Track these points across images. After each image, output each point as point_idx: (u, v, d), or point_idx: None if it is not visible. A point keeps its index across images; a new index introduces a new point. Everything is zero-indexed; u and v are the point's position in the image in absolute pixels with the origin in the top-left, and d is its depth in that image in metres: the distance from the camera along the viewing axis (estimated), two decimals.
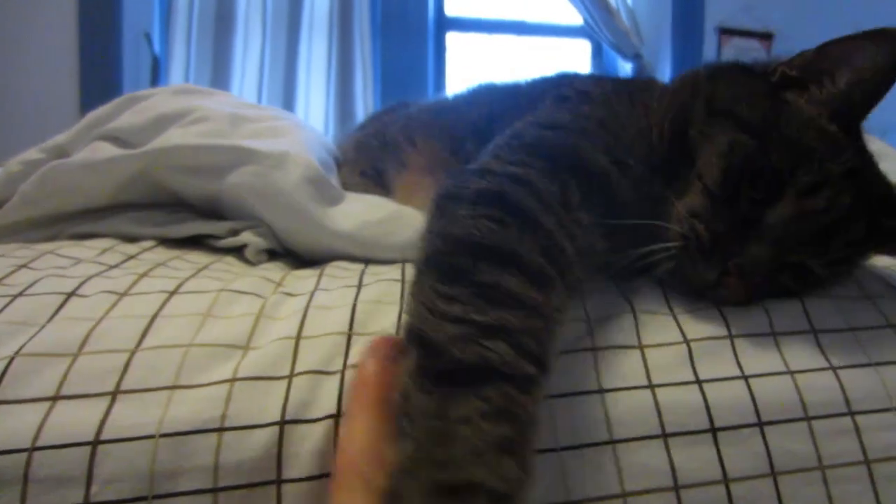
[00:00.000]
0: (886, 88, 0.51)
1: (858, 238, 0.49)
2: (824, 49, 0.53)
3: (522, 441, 0.32)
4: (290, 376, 0.40)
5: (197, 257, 0.59)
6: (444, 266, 0.38)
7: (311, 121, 3.00)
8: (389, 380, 0.37)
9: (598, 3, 2.96)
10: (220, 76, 3.04)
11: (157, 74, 3.03)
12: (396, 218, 0.62)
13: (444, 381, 0.33)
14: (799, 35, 3.18)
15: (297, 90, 3.07)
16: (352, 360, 0.41)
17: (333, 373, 0.40)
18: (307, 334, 0.43)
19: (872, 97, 0.52)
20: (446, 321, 0.35)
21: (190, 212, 0.68)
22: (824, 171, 0.48)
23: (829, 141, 0.50)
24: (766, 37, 3.11)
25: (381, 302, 0.47)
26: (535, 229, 0.41)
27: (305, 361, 0.41)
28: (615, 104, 0.60)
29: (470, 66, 3.25)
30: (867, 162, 0.53)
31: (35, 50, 2.69)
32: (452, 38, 3.21)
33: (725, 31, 3.08)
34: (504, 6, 3.26)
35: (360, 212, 0.62)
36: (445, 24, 3.19)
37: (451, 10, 3.21)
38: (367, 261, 0.60)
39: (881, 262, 0.60)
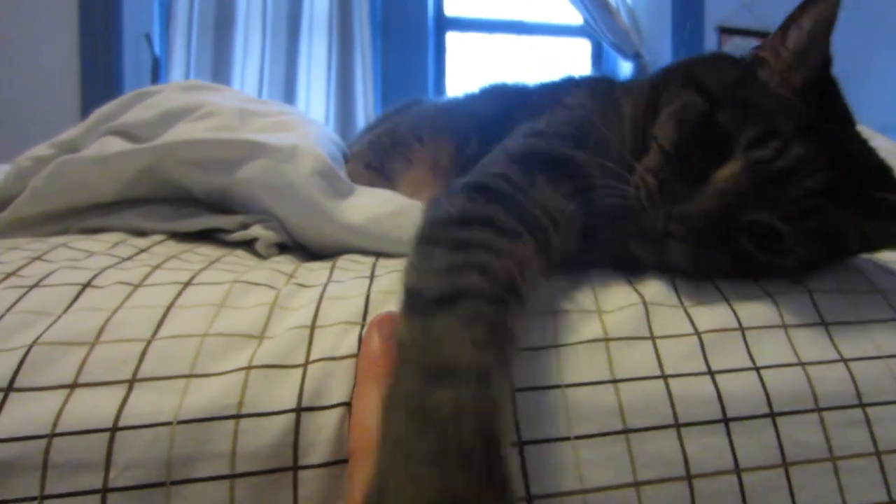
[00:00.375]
0: (827, 38, 0.54)
1: (819, 188, 0.48)
2: (784, 23, 0.56)
3: (499, 342, 0.36)
4: (305, 364, 0.40)
5: (208, 250, 0.59)
6: (427, 237, 0.44)
7: None
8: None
9: (598, 3, 2.96)
10: (220, 77, 3.04)
11: (157, 75, 3.03)
12: (406, 211, 0.62)
13: (425, 310, 0.37)
14: None
15: (297, 91, 3.08)
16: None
17: (346, 358, 0.41)
18: (321, 324, 0.43)
19: (817, 51, 0.54)
20: (426, 272, 0.39)
21: (198, 206, 0.69)
22: (771, 125, 0.50)
23: (780, 101, 0.52)
24: (766, 36, 3.11)
25: (393, 292, 0.47)
26: (507, 202, 0.48)
27: (319, 349, 0.41)
28: (591, 102, 0.65)
29: (470, 66, 3.25)
30: (836, 125, 0.54)
31: (36, 51, 2.69)
32: (452, 38, 3.21)
33: (725, 31, 3.09)
34: (504, 6, 3.26)
35: (370, 205, 0.63)
36: (445, 24, 3.20)
37: (450, 10, 3.21)
38: (378, 254, 0.61)
39: (891, 256, 0.61)
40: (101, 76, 2.83)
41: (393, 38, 3.07)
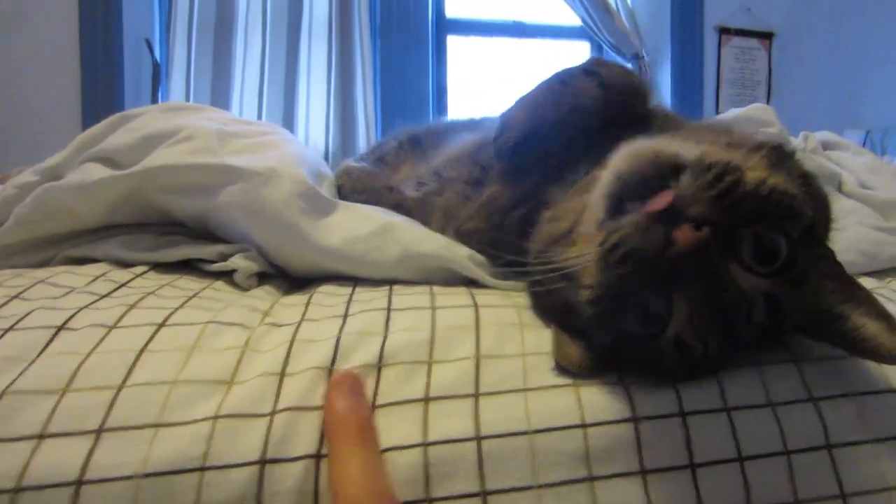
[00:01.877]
0: None
1: None
2: None
3: None
4: (272, 413, 0.40)
5: (188, 283, 0.59)
6: None
7: (312, 125, 3.01)
8: (363, 413, 0.40)
9: (597, 5, 2.96)
10: (220, 81, 3.04)
11: (157, 80, 3.03)
12: (385, 232, 0.62)
13: None
14: (798, 34, 3.19)
15: (297, 94, 3.08)
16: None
17: (313, 409, 0.41)
18: (291, 370, 0.44)
19: None
20: None
21: (182, 231, 0.69)
22: None
23: None
24: (765, 36, 3.12)
25: (364, 333, 0.47)
26: None
27: (287, 398, 0.41)
28: None
29: (470, 69, 3.25)
30: None
31: (36, 56, 2.70)
32: (453, 42, 3.21)
33: (725, 31, 3.08)
34: (504, 8, 3.25)
35: (348, 225, 0.62)
36: (446, 26, 3.19)
37: (451, 12, 3.21)
38: (356, 279, 0.61)
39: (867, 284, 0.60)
40: (101, 81, 2.83)
41: (393, 42, 3.06)
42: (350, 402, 0.40)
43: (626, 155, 0.44)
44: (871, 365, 0.48)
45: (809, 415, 0.45)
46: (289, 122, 2.99)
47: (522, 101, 0.62)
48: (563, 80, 0.62)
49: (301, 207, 0.61)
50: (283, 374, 0.43)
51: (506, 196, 0.62)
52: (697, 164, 0.41)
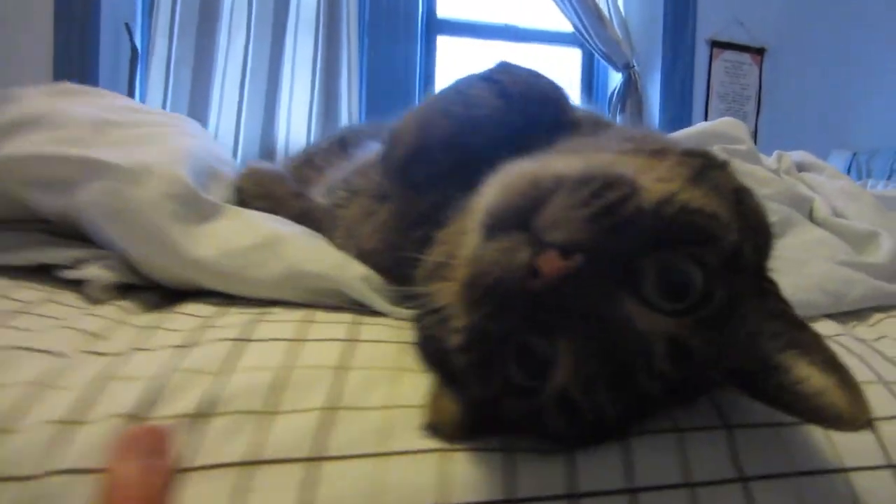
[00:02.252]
0: None
1: None
2: None
3: None
4: (40, 476, 0.31)
5: (26, 293, 0.50)
6: None
7: (294, 121, 2.94)
8: (155, 480, 0.30)
9: (589, 12, 2.89)
10: (201, 71, 2.96)
11: (135, 67, 2.94)
12: (270, 245, 0.53)
13: None
14: (790, 51, 3.12)
15: (280, 89, 3.00)
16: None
17: (97, 472, 0.32)
18: (87, 417, 0.34)
19: None
20: None
21: (48, 230, 0.60)
22: None
23: None
24: (757, 51, 3.06)
25: (198, 371, 0.38)
26: None
27: (69, 456, 0.32)
28: None
29: (460, 71, 3.17)
30: None
31: (5, 33, 2.60)
32: (443, 42, 3.14)
33: (717, 44, 3.02)
34: (496, 11, 3.19)
35: (228, 235, 0.53)
36: (436, 26, 3.13)
37: (442, 12, 3.14)
38: (234, 297, 0.52)
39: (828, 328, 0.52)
40: (75, 64, 2.74)
41: (382, 39, 2.99)
42: (141, 465, 0.31)
43: (497, 184, 0.36)
44: (819, 433, 0.40)
45: (737, 501, 0.36)
46: (270, 116, 2.92)
47: (412, 113, 0.54)
48: (458, 89, 0.53)
49: (173, 211, 0.52)
50: (73, 421, 0.34)
51: (405, 215, 0.53)
52: (575, 178, 0.33)
